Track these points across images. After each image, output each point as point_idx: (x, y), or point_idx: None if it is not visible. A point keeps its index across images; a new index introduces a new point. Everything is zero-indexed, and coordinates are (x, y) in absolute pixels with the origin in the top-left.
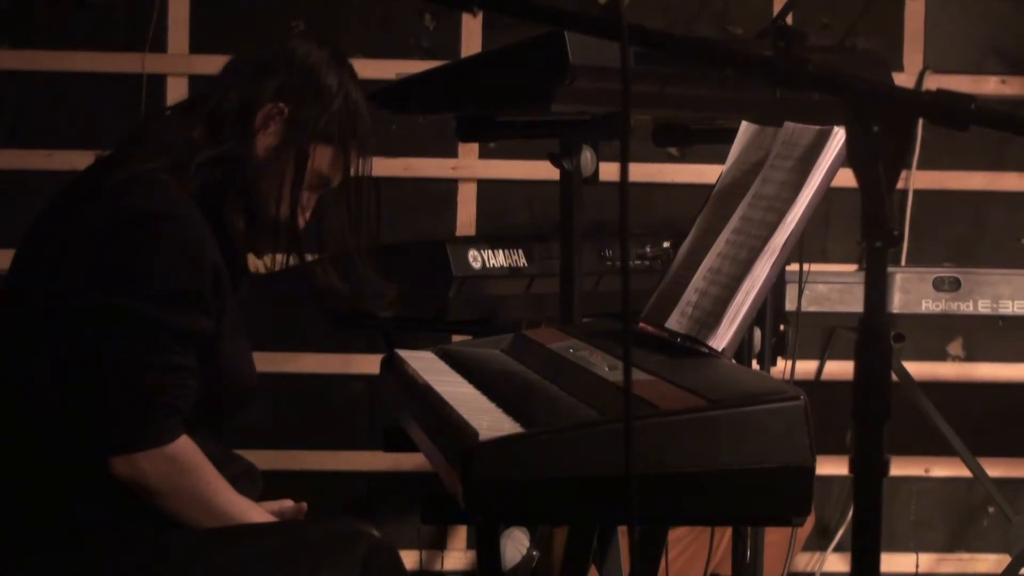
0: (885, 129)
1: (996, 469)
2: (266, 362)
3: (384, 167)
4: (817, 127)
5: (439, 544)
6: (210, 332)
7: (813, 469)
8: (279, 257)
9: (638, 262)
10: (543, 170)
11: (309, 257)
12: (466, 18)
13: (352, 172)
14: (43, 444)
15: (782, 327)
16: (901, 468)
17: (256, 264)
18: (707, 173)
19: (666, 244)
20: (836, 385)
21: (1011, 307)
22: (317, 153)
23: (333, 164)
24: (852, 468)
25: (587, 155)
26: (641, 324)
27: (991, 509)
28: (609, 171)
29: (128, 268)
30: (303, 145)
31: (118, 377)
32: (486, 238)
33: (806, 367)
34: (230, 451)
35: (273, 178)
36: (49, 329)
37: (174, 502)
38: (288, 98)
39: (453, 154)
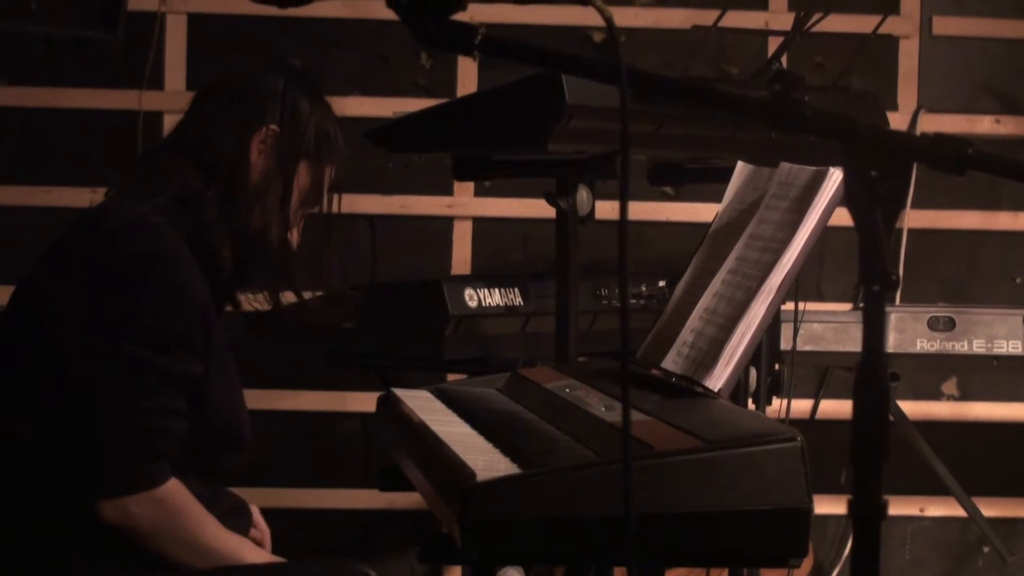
0: (882, 173)
1: (991, 509)
2: (261, 399)
3: (380, 205)
4: (813, 168)
5: None
6: (199, 375)
7: (810, 510)
8: (271, 290)
9: (634, 301)
10: (539, 208)
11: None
12: (462, 57)
13: (327, 187)
14: (31, 488)
15: (777, 366)
16: (896, 507)
17: (253, 302)
18: (702, 212)
19: (662, 283)
20: (831, 424)
21: (1005, 347)
22: (301, 171)
23: (315, 180)
24: (850, 511)
25: (583, 194)
26: (637, 364)
27: (986, 549)
28: (605, 210)
29: (118, 312)
30: (291, 165)
31: (107, 420)
32: (482, 277)
33: (801, 406)
34: (218, 487)
35: (266, 201)
36: (40, 371)
37: (165, 544)
38: (273, 122)
39: (449, 192)
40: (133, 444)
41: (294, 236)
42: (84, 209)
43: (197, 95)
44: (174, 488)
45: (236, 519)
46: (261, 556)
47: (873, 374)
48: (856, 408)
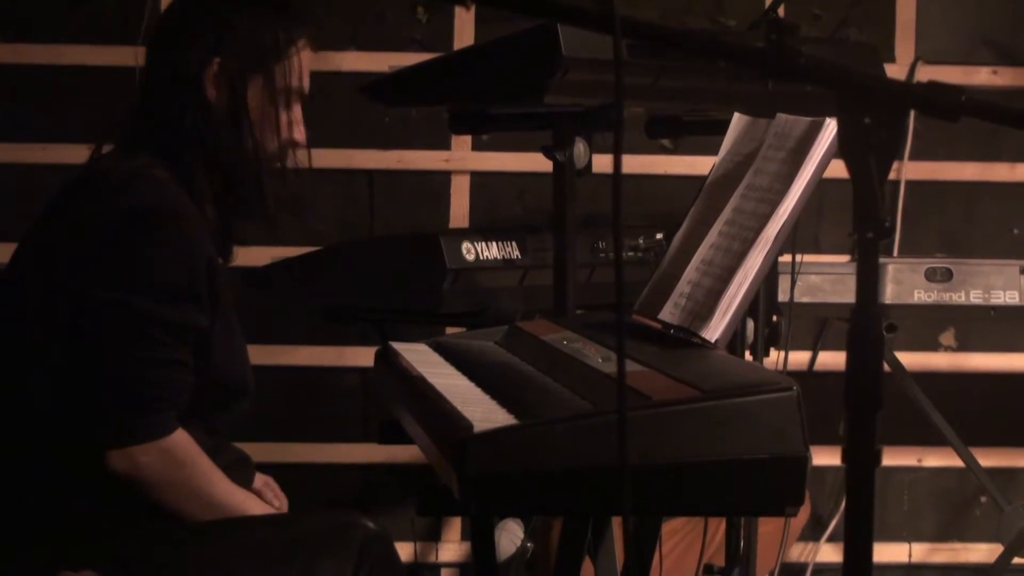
0: (876, 121)
1: (988, 459)
2: (259, 355)
3: (377, 160)
4: (809, 118)
5: (434, 536)
6: (205, 327)
7: (806, 459)
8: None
9: (631, 254)
10: (536, 162)
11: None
12: (459, 11)
13: (280, 85)
14: (39, 439)
15: (775, 318)
16: (894, 458)
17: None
18: (700, 164)
19: (659, 236)
20: (829, 375)
21: (1003, 297)
22: (260, 85)
23: (282, 79)
24: (844, 458)
25: (580, 147)
26: (634, 315)
27: (983, 499)
28: (602, 163)
29: (126, 264)
30: (244, 89)
31: (114, 371)
32: (479, 230)
33: (799, 358)
34: (222, 440)
35: (240, 135)
36: (46, 324)
37: (171, 495)
38: (216, 52)
39: (446, 146)
40: (139, 394)
41: (297, 132)
42: (84, 165)
43: (152, 40)
44: (181, 439)
45: (240, 472)
46: (266, 510)
47: (867, 319)
48: (850, 355)
